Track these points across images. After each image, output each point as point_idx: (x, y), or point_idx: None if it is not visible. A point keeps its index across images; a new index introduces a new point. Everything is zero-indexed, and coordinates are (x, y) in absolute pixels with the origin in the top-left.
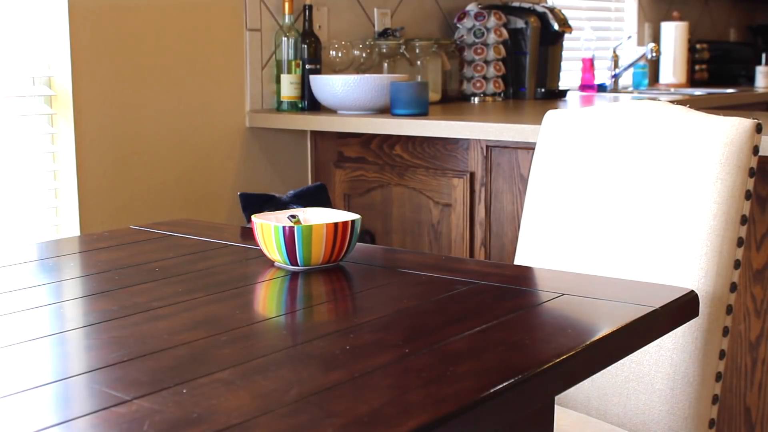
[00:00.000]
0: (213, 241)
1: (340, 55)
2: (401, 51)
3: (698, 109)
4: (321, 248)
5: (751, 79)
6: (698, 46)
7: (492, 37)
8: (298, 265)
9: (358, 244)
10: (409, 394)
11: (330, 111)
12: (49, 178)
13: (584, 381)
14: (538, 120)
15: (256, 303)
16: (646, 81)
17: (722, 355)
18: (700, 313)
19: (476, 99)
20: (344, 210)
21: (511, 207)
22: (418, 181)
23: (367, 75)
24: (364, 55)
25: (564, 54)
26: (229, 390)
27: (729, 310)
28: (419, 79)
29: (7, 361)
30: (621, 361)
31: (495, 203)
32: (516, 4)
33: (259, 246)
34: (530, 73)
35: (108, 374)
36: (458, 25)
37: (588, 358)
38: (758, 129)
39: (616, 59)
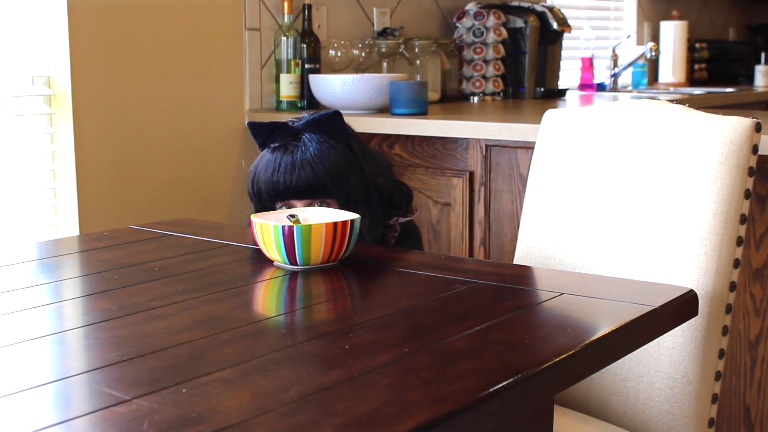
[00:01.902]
0: (212, 241)
1: (339, 54)
2: (400, 50)
3: (697, 108)
4: (320, 248)
5: (750, 79)
6: (697, 45)
7: (491, 37)
8: (297, 265)
9: (357, 243)
10: (409, 393)
11: None
12: (49, 178)
13: (584, 380)
14: (537, 119)
15: (255, 302)
16: (646, 80)
17: (722, 354)
18: (699, 313)
19: (475, 98)
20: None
21: (511, 206)
22: (418, 181)
23: (366, 74)
24: (363, 54)
25: (563, 53)
26: (228, 389)
27: (728, 309)
28: (418, 78)
29: (6, 360)
30: (620, 360)
31: (494, 203)
32: (515, 3)
33: (258, 245)
34: (529, 73)
35: (107, 374)
36: (457, 24)
37: (587, 357)
38: (757, 128)
39: (615, 58)
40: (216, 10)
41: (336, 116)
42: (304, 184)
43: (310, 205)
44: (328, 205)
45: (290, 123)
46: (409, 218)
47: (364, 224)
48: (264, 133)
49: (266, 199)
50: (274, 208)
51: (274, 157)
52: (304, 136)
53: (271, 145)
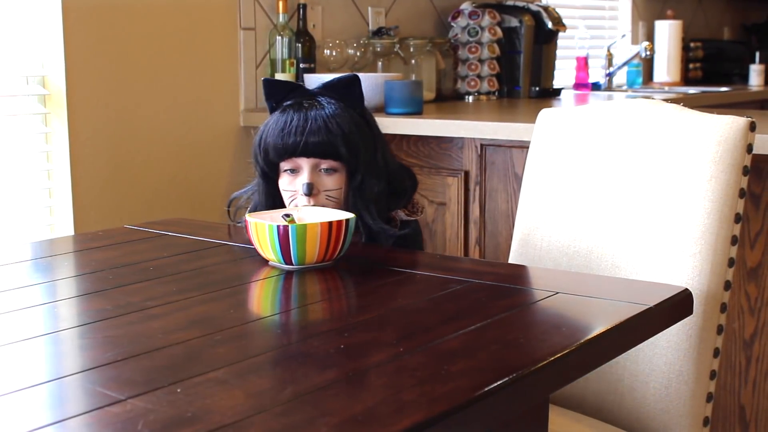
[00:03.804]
0: (207, 241)
1: (334, 54)
2: (395, 50)
3: (692, 107)
4: (315, 247)
5: (744, 78)
6: (692, 44)
7: (486, 36)
8: (292, 264)
9: (352, 242)
10: (404, 393)
11: None
12: (43, 178)
13: (579, 379)
14: (532, 119)
15: (250, 302)
16: (640, 79)
17: (716, 353)
18: (694, 312)
19: (470, 98)
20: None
21: (506, 206)
22: None
23: (361, 74)
24: (358, 54)
25: (558, 52)
26: (223, 389)
27: (723, 308)
28: (413, 77)
29: (1, 360)
30: (615, 359)
31: (489, 202)
32: (510, 2)
33: (253, 245)
34: (524, 72)
35: (102, 374)
36: (452, 23)
37: (582, 356)
38: (752, 127)
39: (610, 58)
40: (211, 10)
41: (355, 80)
42: (315, 140)
43: (317, 165)
44: (335, 171)
45: (306, 87)
46: (413, 218)
47: (371, 194)
48: (278, 94)
49: (273, 155)
50: (277, 168)
51: (286, 114)
52: (319, 98)
53: (284, 104)
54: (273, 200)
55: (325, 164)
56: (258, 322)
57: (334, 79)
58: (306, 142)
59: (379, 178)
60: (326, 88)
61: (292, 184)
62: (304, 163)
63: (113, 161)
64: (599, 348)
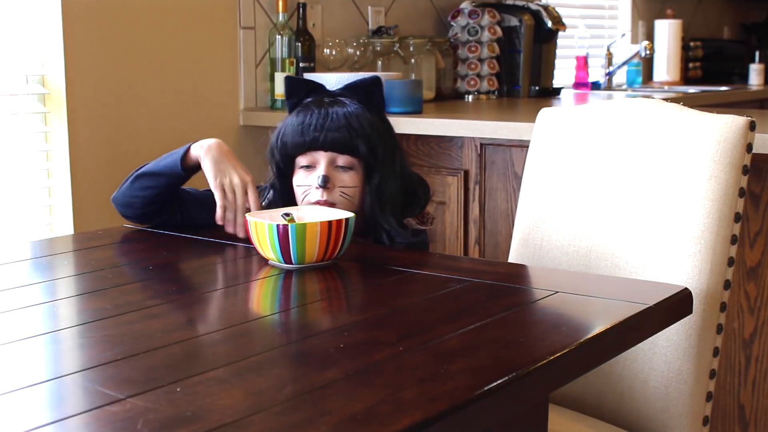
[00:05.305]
0: (206, 240)
1: (334, 53)
2: (395, 49)
3: (692, 106)
4: (315, 246)
5: (744, 77)
6: (692, 43)
7: (486, 35)
8: (292, 264)
9: (351, 242)
10: (403, 392)
11: None
12: (43, 177)
13: (578, 379)
14: (532, 118)
15: (250, 301)
16: (640, 79)
17: (716, 352)
18: (693, 311)
19: (470, 97)
20: None
21: (506, 205)
22: None
23: (360, 73)
24: (358, 53)
25: (558, 52)
26: (222, 388)
27: (723, 307)
28: (413, 77)
29: (1, 360)
30: (615, 358)
31: (489, 201)
32: (510, 2)
33: (253, 244)
34: (524, 71)
35: (102, 373)
36: (452, 23)
37: (582, 355)
38: (752, 126)
39: (609, 57)
40: (210, 9)
41: (377, 82)
42: (334, 135)
43: (333, 161)
44: (351, 168)
45: (328, 88)
46: (423, 228)
47: (388, 196)
48: (300, 92)
49: (291, 148)
50: (293, 165)
51: (307, 110)
52: (341, 98)
53: (305, 101)
54: (287, 202)
55: (342, 160)
56: (258, 321)
57: (357, 80)
58: (325, 136)
59: (396, 181)
60: (348, 89)
61: (306, 179)
62: (321, 157)
63: (113, 160)
64: (599, 347)
